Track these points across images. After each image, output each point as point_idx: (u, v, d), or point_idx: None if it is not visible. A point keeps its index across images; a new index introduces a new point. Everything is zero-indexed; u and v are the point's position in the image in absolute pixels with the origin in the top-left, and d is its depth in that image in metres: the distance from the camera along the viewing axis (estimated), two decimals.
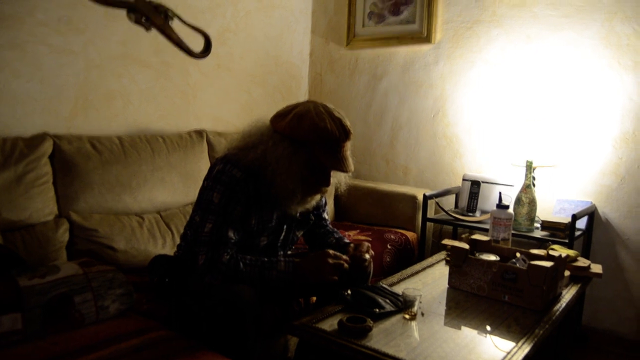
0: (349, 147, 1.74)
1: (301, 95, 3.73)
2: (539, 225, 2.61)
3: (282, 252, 1.90)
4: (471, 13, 3.10)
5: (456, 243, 2.04)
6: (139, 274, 2.09)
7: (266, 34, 3.38)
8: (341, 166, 1.70)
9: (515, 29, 2.94)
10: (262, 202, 1.75)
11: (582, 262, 2.17)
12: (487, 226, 2.39)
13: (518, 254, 1.98)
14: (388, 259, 2.69)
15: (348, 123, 1.71)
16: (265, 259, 1.70)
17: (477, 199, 2.88)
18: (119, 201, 2.28)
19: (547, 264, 1.79)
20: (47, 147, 2.14)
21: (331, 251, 1.72)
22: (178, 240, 2.23)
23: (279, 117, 1.72)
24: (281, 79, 3.55)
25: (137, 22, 2.56)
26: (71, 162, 2.18)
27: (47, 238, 2.01)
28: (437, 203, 2.97)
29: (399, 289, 1.82)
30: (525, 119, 2.78)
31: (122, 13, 2.48)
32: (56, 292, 1.57)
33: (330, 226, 2.05)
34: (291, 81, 3.65)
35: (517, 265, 1.88)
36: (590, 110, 2.74)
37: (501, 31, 2.99)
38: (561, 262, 1.89)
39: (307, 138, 1.65)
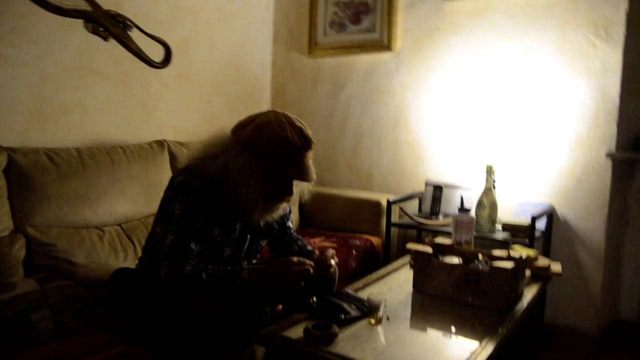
0: (311, 157, 1.73)
1: (263, 104, 3.72)
2: (500, 227, 2.67)
3: (246, 262, 1.89)
4: (430, 22, 3.15)
5: (420, 247, 2.06)
6: (100, 288, 2.04)
7: (227, 43, 3.37)
8: (303, 176, 1.69)
9: (472, 37, 3.01)
10: (224, 213, 1.74)
11: (542, 261, 2.22)
12: (450, 229, 2.43)
13: (480, 256, 2.02)
14: (353, 265, 2.70)
15: (309, 132, 1.71)
16: (229, 268, 1.69)
17: (439, 203, 2.93)
18: (78, 214, 2.22)
19: (509, 264, 1.82)
20: (1, 160, 2.08)
21: (295, 258, 1.71)
22: (140, 253, 2.20)
23: (240, 127, 1.71)
24: (243, 88, 3.54)
25: (95, 32, 2.56)
26: (27, 176, 2.11)
27: (1, 254, 1.94)
28: (400, 208, 3.00)
29: (364, 294, 1.83)
30: (485, 124, 2.84)
31: (78, 23, 2.48)
32: (12, 311, 1.52)
33: (294, 234, 2.05)
34: (253, 90, 3.64)
35: (480, 267, 1.90)
36: (547, 115, 2.81)
37: (459, 39, 3.05)
38: (522, 263, 1.93)
39: (268, 148, 1.64)
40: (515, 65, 2.89)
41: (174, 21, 2.98)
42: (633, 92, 2.75)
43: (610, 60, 2.65)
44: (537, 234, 2.59)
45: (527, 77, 2.86)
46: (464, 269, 1.87)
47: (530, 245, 2.45)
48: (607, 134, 2.68)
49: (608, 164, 2.69)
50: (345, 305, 1.69)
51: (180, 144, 2.83)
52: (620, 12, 2.61)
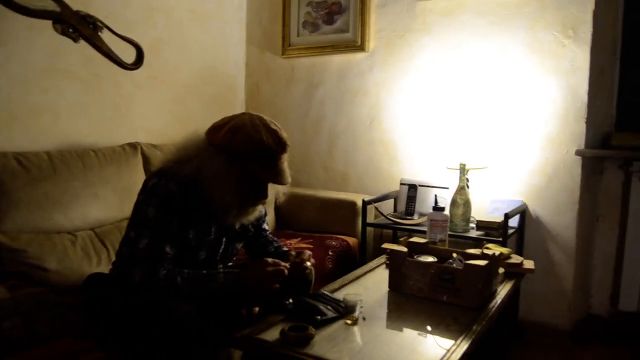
0: (285, 159, 1.74)
1: (238, 105, 3.70)
2: (474, 225, 2.70)
3: (222, 266, 1.88)
4: (403, 22, 3.17)
5: (395, 246, 2.08)
6: (73, 294, 2.00)
7: (201, 44, 3.34)
8: (278, 179, 1.70)
9: (444, 37, 3.04)
10: (199, 216, 1.73)
11: (516, 259, 2.25)
12: (425, 228, 2.45)
13: (455, 254, 2.04)
14: (330, 265, 2.71)
15: (284, 135, 1.71)
16: (204, 272, 1.68)
17: (414, 203, 2.95)
18: (49, 219, 2.19)
19: (482, 262, 1.85)
20: None
21: (269, 259, 1.71)
22: (114, 257, 2.17)
23: (214, 129, 1.70)
24: (217, 89, 3.52)
25: (64, 33, 2.52)
26: None
27: None
28: (376, 208, 3.02)
29: (340, 295, 1.83)
30: (458, 123, 2.87)
31: (47, 24, 2.44)
32: None
33: (270, 236, 2.05)
34: (227, 91, 3.62)
35: (454, 265, 1.93)
36: (519, 114, 2.86)
37: (432, 39, 3.08)
38: (495, 261, 1.96)
39: (242, 151, 1.64)
40: (487, 64, 2.92)
41: (146, 22, 2.95)
42: (601, 90, 2.81)
43: (579, 59, 2.70)
44: (510, 231, 2.63)
45: (499, 76, 2.90)
46: (439, 267, 1.89)
47: (503, 243, 2.49)
48: (577, 132, 2.74)
49: (578, 161, 2.74)
50: (321, 307, 1.69)
51: (154, 146, 2.80)
52: (587, 12, 2.66)
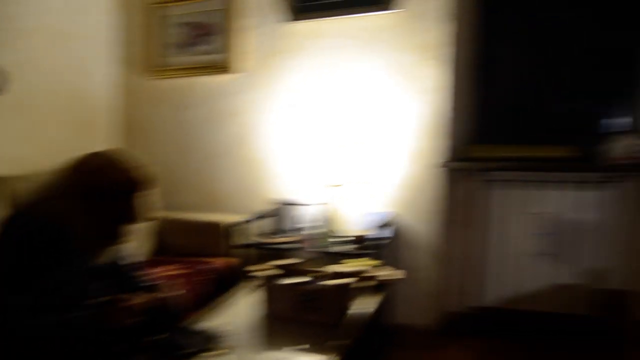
0: (148, 195, 1.73)
1: (108, 129, 3.54)
2: (346, 240, 2.76)
3: (86, 306, 1.82)
4: (275, 43, 3.23)
5: (265, 269, 2.09)
6: None
7: (68, 66, 3.18)
8: (139, 216, 1.69)
9: (314, 58, 3.14)
10: (63, 256, 1.66)
11: (384, 269, 2.32)
12: (296, 247, 2.49)
13: (323, 272, 2.08)
14: (204, 291, 2.65)
15: (146, 172, 1.70)
16: (65, 316, 1.61)
17: (286, 221, 2.98)
18: None
19: (344, 280, 1.92)
20: None
21: (124, 295, 1.69)
22: None
23: (76, 167, 1.64)
24: (86, 113, 3.34)
25: None
26: None
27: None
28: (248, 228, 3.01)
29: (210, 324, 1.83)
30: (328, 141, 2.96)
31: None
32: None
33: (135, 270, 1.99)
34: (97, 115, 3.45)
35: (319, 284, 1.97)
36: (388, 131, 3.01)
37: (302, 60, 3.17)
38: (358, 276, 2.04)
39: (105, 189, 1.62)
40: (355, 85, 3.06)
41: (6, 44, 2.75)
42: (461, 107, 3.05)
43: (441, 79, 2.91)
44: (383, 242, 2.73)
45: (367, 96, 3.04)
46: (301, 289, 1.93)
47: (376, 255, 2.56)
48: (441, 147, 2.95)
49: (442, 174, 2.96)
50: (187, 340, 1.68)
51: (17, 178, 2.57)
52: (449, 35, 2.90)
